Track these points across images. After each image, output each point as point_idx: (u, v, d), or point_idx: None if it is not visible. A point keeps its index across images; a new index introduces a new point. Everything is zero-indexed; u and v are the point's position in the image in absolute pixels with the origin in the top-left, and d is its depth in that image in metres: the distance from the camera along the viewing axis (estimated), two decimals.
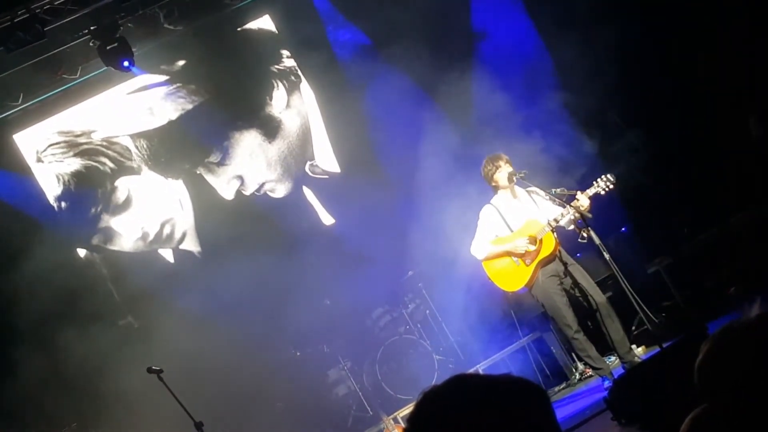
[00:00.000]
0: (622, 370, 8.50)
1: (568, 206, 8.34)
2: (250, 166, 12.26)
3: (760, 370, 2.10)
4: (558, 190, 8.50)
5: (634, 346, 9.03)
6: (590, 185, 8.54)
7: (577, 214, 8.29)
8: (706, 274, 10.40)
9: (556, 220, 8.44)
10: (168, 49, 11.82)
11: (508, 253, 8.65)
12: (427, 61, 11.12)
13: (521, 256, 8.58)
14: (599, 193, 8.52)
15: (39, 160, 11.59)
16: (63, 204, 11.62)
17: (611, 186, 8.53)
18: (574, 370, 10.06)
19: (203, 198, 12.09)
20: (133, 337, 11.02)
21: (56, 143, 11.64)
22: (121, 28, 10.47)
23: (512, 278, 8.73)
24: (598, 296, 8.56)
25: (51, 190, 11.58)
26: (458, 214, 9.57)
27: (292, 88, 12.54)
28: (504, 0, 11.76)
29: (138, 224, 11.86)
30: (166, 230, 11.94)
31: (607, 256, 8.29)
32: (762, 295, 8.67)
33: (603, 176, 8.56)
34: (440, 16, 11.29)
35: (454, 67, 11.41)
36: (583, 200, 8.34)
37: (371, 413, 10.77)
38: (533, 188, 8.71)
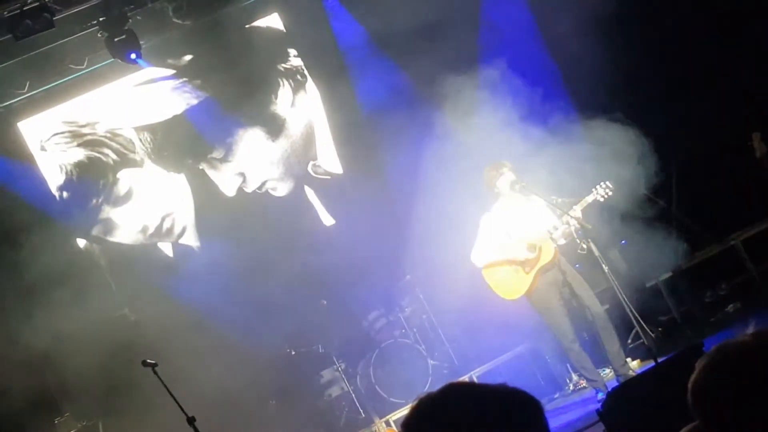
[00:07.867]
0: (617, 383, 8.49)
1: (564, 215, 8.35)
2: (252, 163, 12.25)
3: (755, 389, 2.09)
4: (558, 199, 8.50)
5: (629, 360, 9.03)
6: (589, 192, 8.55)
7: (574, 225, 8.30)
8: (705, 290, 10.41)
9: (550, 233, 8.44)
10: (175, 43, 11.81)
11: (508, 261, 8.65)
12: (435, 65, 11.10)
13: (521, 264, 8.58)
14: (598, 200, 8.52)
15: (43, 148, 11.58)
16: (64, 194, 11.61)
17: (610, 193, 8.53)
18: (568, 380, 10.05)
19: (204, 193, 12.07)
20: (129, 330, 11.01)
21: (60, 133, 11.64)
22: (130, 20, 10.47)
23: (512, 286, 8.72)
24: (596, 307, 8.55)
25: (53, 179, 11.57)
26: (458, 220, 9.56)
27: (298, 87, 12.53)
28: (513, 3, 11.76)
29: (138, 217, 11.84)
30: (166, 224, 11.93)
31: (605, 268, 8.29)
32: (758, 313, 8.68)
33: (602, 183, 8.55)
34: (449, 22, 11.27)
35: (460, 72, 11.41)
36: (575, 214, 8.34)
37: (363, 415, 10.76)
38: (534, 196, 8.70)
